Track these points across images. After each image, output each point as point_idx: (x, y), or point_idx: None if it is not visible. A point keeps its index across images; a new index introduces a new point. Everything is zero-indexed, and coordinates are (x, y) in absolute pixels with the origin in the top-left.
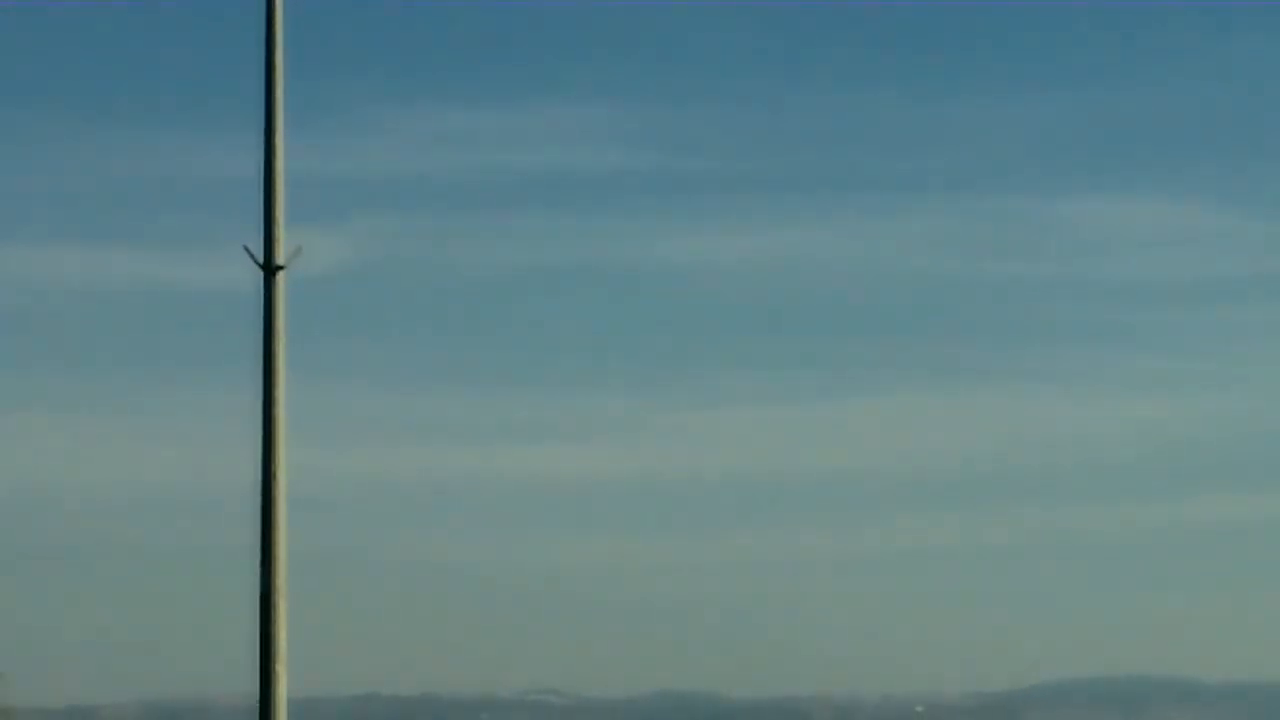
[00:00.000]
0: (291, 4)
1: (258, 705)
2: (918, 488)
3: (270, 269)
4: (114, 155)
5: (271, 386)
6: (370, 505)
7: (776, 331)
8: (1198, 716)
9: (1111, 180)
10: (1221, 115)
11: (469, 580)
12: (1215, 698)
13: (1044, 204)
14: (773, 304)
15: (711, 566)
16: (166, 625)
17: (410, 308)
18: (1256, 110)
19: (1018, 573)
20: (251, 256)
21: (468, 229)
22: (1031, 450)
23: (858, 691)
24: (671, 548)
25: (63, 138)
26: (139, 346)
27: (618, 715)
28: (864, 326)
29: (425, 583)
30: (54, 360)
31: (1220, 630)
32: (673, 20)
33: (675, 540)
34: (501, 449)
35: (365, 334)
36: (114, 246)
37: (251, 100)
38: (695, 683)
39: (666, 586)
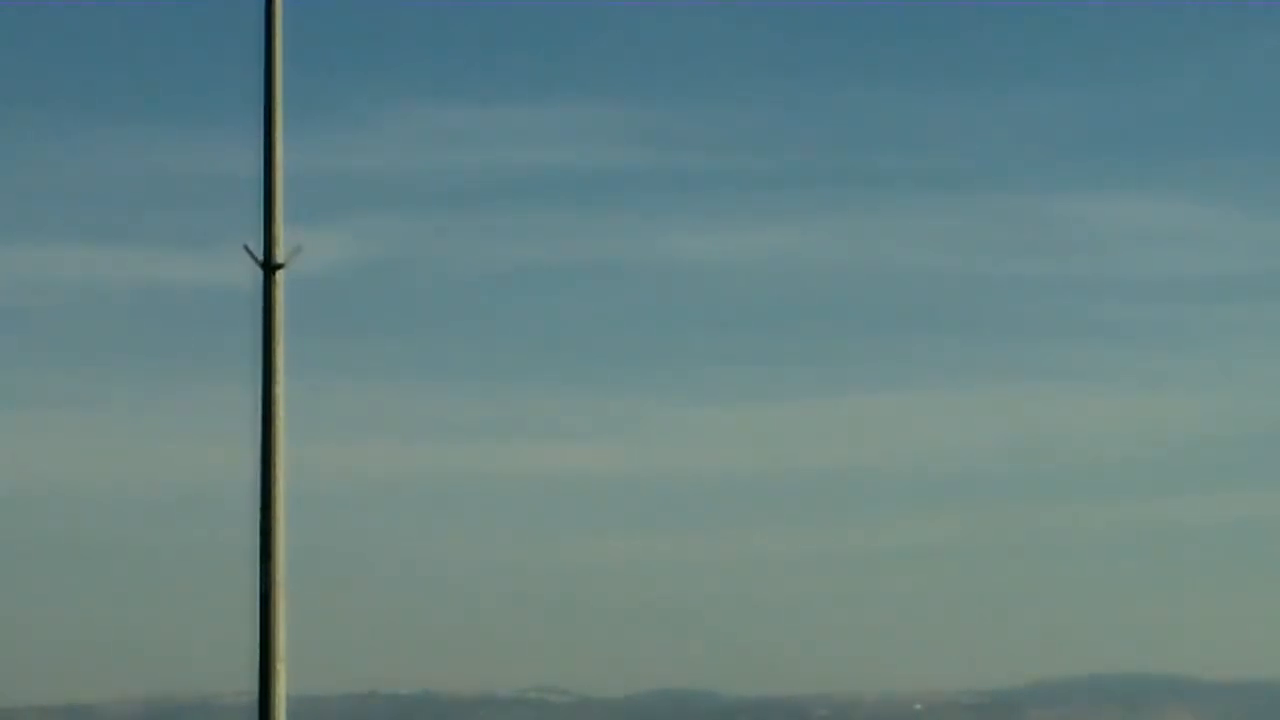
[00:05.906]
0: (291, 3)
1: (257, 703)
2: (917, 486)
3: (270, 267)
4: (113, 153)
5: (271, 385)
6: (370, 504)
7: (776, 329)
8: (1197, 714)
9: (1113, 179)
10: (1224, 113)
11: (469, 579)
12: (1214, 696)
13: (1044, 202)
14: (772, 301)
15: (712, 566)
16: (166, 624)
17: (410, 306)
18: (1259, 108)
19: (1017, 571)
20: (251, 255)
21: (467, 228)
22: (1031, 449)
23: (857, 690)
24: (671, 546)
25: (62, 137)
26: (139, 346)
27: (617, 714)
28: (864, 324)
29: (425, 582)
30: (54, 360)
31: (1220, 629)
32: (672, 20)
33: (675, 539)
34: (501, 448)
35: (365, 332)
36: (113, 245)
37: (251, 98)
38: (695, 682)
39: (666, 586)
